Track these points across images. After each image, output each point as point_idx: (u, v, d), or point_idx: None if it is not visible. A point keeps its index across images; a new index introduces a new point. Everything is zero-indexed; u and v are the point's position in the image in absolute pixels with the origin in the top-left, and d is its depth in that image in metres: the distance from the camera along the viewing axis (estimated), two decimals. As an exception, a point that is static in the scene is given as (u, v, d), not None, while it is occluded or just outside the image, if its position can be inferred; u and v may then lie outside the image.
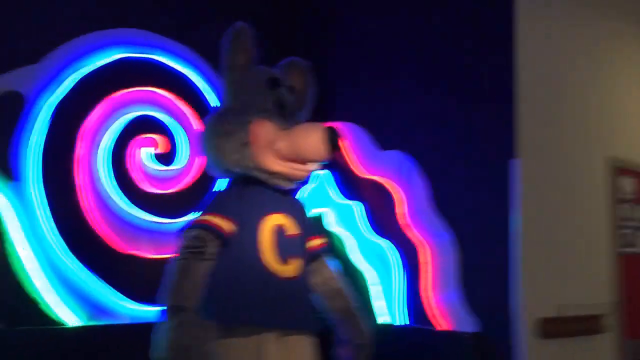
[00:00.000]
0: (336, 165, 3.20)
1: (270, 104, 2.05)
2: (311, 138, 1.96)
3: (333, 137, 1.97)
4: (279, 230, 2.01)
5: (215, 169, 2.10)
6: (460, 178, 2.83)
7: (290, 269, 1.98)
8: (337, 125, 3.30)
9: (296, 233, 2.06)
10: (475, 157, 2.76)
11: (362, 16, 3.53)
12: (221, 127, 1.99)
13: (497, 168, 2.65)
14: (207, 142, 2.04)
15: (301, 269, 2.04)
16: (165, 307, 1.83)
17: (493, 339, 2.58)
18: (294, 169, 2.01)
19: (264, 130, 1.95)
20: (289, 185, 2.09)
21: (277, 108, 2.06)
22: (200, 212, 2.01)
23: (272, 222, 2.00)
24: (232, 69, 2.08)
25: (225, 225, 1.93)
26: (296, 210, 2.12)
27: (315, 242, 2.18)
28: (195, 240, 1.90)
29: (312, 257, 2.18)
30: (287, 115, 2.08)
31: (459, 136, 2.86)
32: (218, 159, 2.02)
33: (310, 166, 2.06)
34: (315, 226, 2.26)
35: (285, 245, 2.00)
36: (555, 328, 2.60)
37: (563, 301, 2.66)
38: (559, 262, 2.72)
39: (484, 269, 2.66)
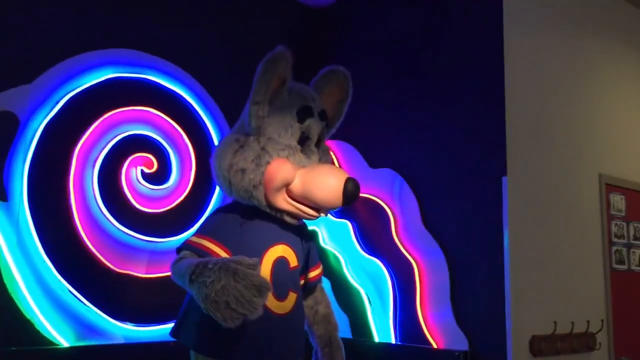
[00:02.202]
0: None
1: (295, 140, 1.94)
2: (329, 188, 1.82)
3: (351, 190, 1.84)
4: (281, 263, 1.94)
5: (225, 192, 2.02)
6: (451, 196, 2.84)
7: (286, 305, 1.92)
8: (329, 144, 3.33)
9: (296, 265, 2.00)
10: (467, 174, 2.78)
11: (353, 35, 3.56)
12: (237, 162, 1.87)
13: (488, 185, 2.67)
14: (219, 171, 1.94)
15: (297, 302, 1.98)
16: (188, 281, 1.73)
17: (485, 356, 2.59)
18: (302, 212, 1.91)
19: (281, 173, 1.83)
20: (295, 222, 1.98)
21: (302, 141, 1.96)
22: (197, 232, 1.96)
23: (275, 255, 1.92)
24: (257, 102, 1.89)
25: (221, 253, 1.86)
26: (299, 240, 2.04)
27: (315, 273, 2.14)
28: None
29: (311, 287, 2.16)
30: (311, 145, 1.99)
31: (450, 154, 2.88)
32: (228, 188, 1.93)
33: (321, 212, 1.95)
34: (315, 254, 2.17)
35: (285, 279, 1.94)
36: (547, 345, 2.60)
37: (555, 318, 2.67)
38: (551, 279, 2.73)
39: (476, 287, 2.67)
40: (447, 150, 2.89)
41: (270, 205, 1.90)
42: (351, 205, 1.95)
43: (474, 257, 2.70)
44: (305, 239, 2.09)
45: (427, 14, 3.11)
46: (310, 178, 1.86)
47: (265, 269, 1.90)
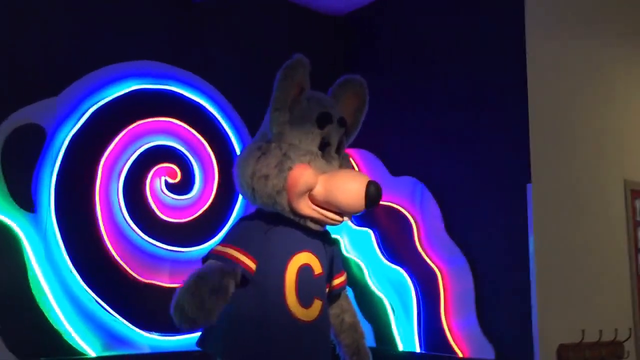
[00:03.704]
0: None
1: (316, 146, 1.95)
2: (352, 192, 1.84)
3: (374, 194, 1.85)
4: (305, 270, 1.94)
5: (248, 200, 2.02)
6: (475, 203, 2.83)
7: (312, 312, 1.92)
8: (350, 152, 3.34)
9: (321, 272, 2.00)
10: (491, 182, 2.77)
11: (374, 43, 3.57)
12: (259, 168, 1.88)
13: (512, 192, 2.66)
14: (242, 179, 1.94)
15: (322, 310, 1.98)
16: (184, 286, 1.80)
17: (511, 365, 2.57)
18: (326, 217, 1.91)
19: (304, 179, 1.85)
20: (319, 229, 1.99)
21: (322, 147, 1.97)
22: (223, 241, 1.97)
23: (299, 262, 1.93)
24: (277, 109, 1.91)
25: (248, 262, 1.87)
26: (323, 247, 2.04)
27: (339, 280, 2.14)
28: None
29: (335, 295, 2.15)
30: (332, 152, 2.00)
31: (473, 161, 2.87)
32: (251, 196, 1.94)
33: (344, 217, 1.96)
34: (339, 261, 2.17)
35: (310, 287, 1.94)
36: (575, 354, 2.58)
37: (583, 327, 2.64)
38: (577, 287, 2.71)
39: (502, 295, 2.65)
40: (470, 157, 2.89)
41: (293, 212, 1.90)
42: (374, 208, 1.96)
43: (499, 265, 2.69)
44: (328, 246, 2.09)
45: (449, 22, 3.11)
46: (333, 183, 1.87)
47: (290, 277, 1.90)
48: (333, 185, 1.86)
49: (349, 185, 1.85)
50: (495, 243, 2.71)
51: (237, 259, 1.87)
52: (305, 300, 1.91)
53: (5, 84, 2.63)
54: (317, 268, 1.99)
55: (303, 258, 1.95)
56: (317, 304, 1.95)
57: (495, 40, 2.85)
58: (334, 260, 2.11)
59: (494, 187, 2.76)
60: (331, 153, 2.00)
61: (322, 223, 1.96)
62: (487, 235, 2.75)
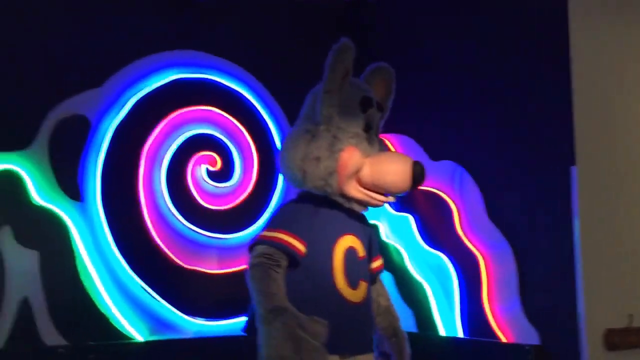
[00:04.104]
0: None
1: (361, 129, 2.00)
2: (398, 173, 1.91)
3: (419, 173, 1.92)
4: (350, 253, 1.98)
5: (294, 184, 2.05)
6: (517, 187, 2.79)
7: (359, 293, 1.96)
8: (388, 137, 3.33)
9: (364, 255, 2.04)
10: (533, 165, 2.72)
11: (412, 25, 3.54)
12: (311, 151, 1.92)
13: (556, 176, 2.60)
14: (292, 162, 1.97)
15: (367, 292, 2.02)
16: (261, 314, 1.79)
17: (556, 351, 2.53)
18: (372, 198, 1.97)
19: (353, 160, 1.91)
20: (363, 210, 2.05)
21: (366, 130, 2.02)
22: (270, 226, 1.99)
23: (345, 245, 1.97)
24: (328, 91, 1.96)
25: (298, 245, 1.90)
26: (364, 231, 2.09)
27: (377, 264, 2.17)
28: (269, 257, 1.88)
29: (373, 279, 2.17)
30: (373, 135, 2.05)
31: (514, 144, 2.82)
32: (301, 179, 1.96)
33: (390, 197, 2.02)
34: (377, 246, 2.21)
35: (356, 269, 1.98)
36: (622, 339, 2.52)
37: (630, 311, 2.58)
38: (624, 270, 2.64)
39: (546, 279, 2.61)
40: (511, 140, 2.84)
41: (342, 194, 1.95)
42: (418, 187, 2.02)
43: (543, 249, 2.64)
44: (367, 229, 2.14)
45: (488, 4, 3.06)
46: (380, 164, 1.94)
47: (338, 259, 1.94)
48: (380, 167, 1.93)
49: (395, 166, 1.92)
50: (538, 227, 2.66)
51: (288, 242, 1.90)
52: (352, 282, 1.95)
53: (51, 77, 2.70)
54: (361, 251, 2.03)
55: (348, 241, 1.99)
56: (363, 286, 1.99)
57: (536, 20, 2.79)
58: (372, 244, 2.15)
59: (537, 170, 2.71)
60: (372, 136, 2.05)
61: (367, 205, 2.01)
62: (531, 219, 2.70)
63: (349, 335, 1.92)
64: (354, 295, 1.94)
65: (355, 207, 2.00)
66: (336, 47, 1.94)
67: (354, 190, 1.94)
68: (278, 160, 2.07)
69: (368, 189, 1.96)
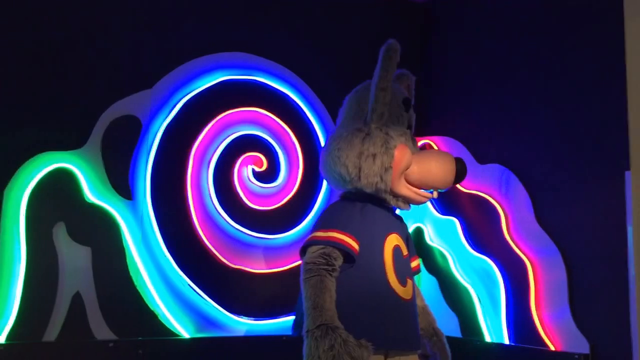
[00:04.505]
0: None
1: (406, 127, 2.11)
2: (443, 169, 2.02)
3: (461, 168, 2.05)
4: (397, 251, 2.03)
5: (339, 184, 2.09)
6: (568, 192, 2.72)
7: (409, 290, 2.01)
8: (435, 140, 3.30)
9: (407, 254, 2.08)
10: (585, 169, 2.65)
11: (458, 29, 3.50)
12: (367, 148, 1.99)
13: (609, 180, 2.53)
14: (348, 160, 2.01)
15: (414, 289, 2.07)
16: (309, 326, 1.79)
17: (607, 360, 2.46)
18: (419, 195, 2.05)
19: (405, 157, 1.99)
20: (406, 208, 2.12)
21: (408, 128, 2.13)
22: (322, 226, 2.01)
23: (392, 243, 2.02)
24: (383, 89, 2.03)
25: (353, 243, 1.93)
26: (404, 230, 2.15)
27: (415, 263, 2.20)
28: (326, 257, 1.90)
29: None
30: (412, 135, 2.15)
31: (565, 147, 2.76)
32: (355, 176, 2.00)
33: (433, 193, 2.10)
34: (412, 245, 2.26)
35: (403, 267, 2.02)
36: (678, 351, 2.43)
37: (686, 322, 2.49)
38: (680, 280, 2.55)
39: (598, 287, 2.54)
40: (562, 143, 2.77)
41: (392, 191, 2.01)
42: (461, 182, 2.16)
43: (594, 256, 2.57)
44: (405, 229, 2.20)
45: (540, 5, 3.00)
46: (425, 162, 2.04)
47: (388, 257, 1.98)
48: (426, 164, 2.03)
49: (440, 163, 2.04)
50: (590, 233, 2.59)
51: (343, 241, 1.94)
52: (402, 280, 2.00)
53: (104, 79, 2.78)
54: (404, 249, 2.09)
55: (394, 239, 2.05)
56: (410, 284, 2.05)
57: (590, 19, 2.71)
58: (409, 244, 2.19)
59: (589, 175, 2.63)
60: (411, 134, 2.16)
61: (413, 202, 2.09)
62: (581, 225, 2.63)
63: (405, 332, 1.96)
64: (405, 292, 1.98)
65: (401, 205, 2.07)
66: (387, 47, 2.01)
67: (404, 188, 2.02)
68: (323, 162, 2.08)
69: (414, 186, 2.03)
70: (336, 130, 2.16)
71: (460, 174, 2.05)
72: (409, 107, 2.14)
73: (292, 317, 2.17)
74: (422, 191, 2.05)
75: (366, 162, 1.97)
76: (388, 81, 2.01)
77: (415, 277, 2.21)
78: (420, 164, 2.02)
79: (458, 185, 3.23)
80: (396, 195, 2.03)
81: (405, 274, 2.02)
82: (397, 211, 2.23)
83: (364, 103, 2.08)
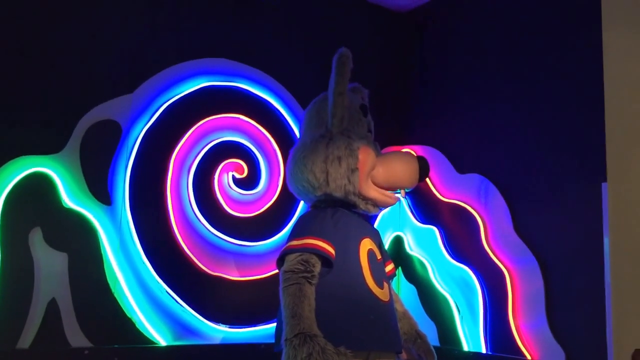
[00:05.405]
0: (415, 188, 3.19)
1: (365, 131, 2.12)
2: (409, 167, 2.03)
3: (424, 166, 2.05)
4: (371, 255, 2.03)
5: (308, 193, 2.09)
6: (546, 202, 2.76)
7: (385, 292, 2.00)
8: (416, 149, 3.32)
9: (381, 258, 2.09)
10: (563, 180, 2.69)
11: (439, 38, 3.53)
12: (331, 152, 2.00)
13: (586, 192, 2.57)
14: (314, 165, 2.02)
15: (390, 293, 2.06)
16: (288, 335, 1.76)
17: (583, 370, 2.49)
18: (386, 196, 2.06)
19: (369, 158, 2.01)
20: (376, 212, 2.12)
21: (369, 134, 2.14)
22: (297, 235, 1.99)
23: (366, 247, 2.02)
24: (341, 93, 2.06)
25: (329, 248, 1.93)
26: (376, 235, 2.15)
27: (389, 268, 2.21)
28: (304, 264, 1.88)
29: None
30: (372, 140, 2.16)
31: (544, 159, 2.79)
32: (323, 181, 2.01)
33: (401, 193, 2.12)
34: (385, 250, 2.27)
35: (378, 270, 2.02)
36: (652, 360, 2.47)
37: (660, 332, 2.53)
38: (654, 290, 2.59)
39: (574, 297, 2.57)
40: (540, 154, 2.81)
41: (361, 194, 2.02)
42: (425, 179, 2.19)
43: (571, 266, 2.61)
44: (376, 234, 2.19)
45: (519, 15, 3.04)
46: (389, 162, 2.05)
47: (364, 260, 1.98)
48: (390, 164, 2.04)
49: (403, 162, 2.06)
50: (567, 243, 2.63)
51: (319, 246, 1.92)
52: (379, 282, 1.99)
53: (84, 83, 2.75)
54: (378, 254, 2.08)
55: (367, 244, 2.04)
56: (386, 287, 2.03)
57: (568, 34, 2.76)
58: (382, 248, 2.19)
59: (567, 185, 2.67)
60: (371, 139, 2.17)
61: (382, 205, 2.08)
62: (559, 235, 2.67)
63: (386, 333, 1.95)
64: (382, 294, 1.98)
65: (370, 208, 2.07)
66: (340, 55, 2.06)
67: (372, 190, 2.02)
68: (290, 173, 2.09)
69: (382, 188, 2.05)
70: (299, 141, 2.18)
71: (424, 171, 2.07)
72: (367, 113, 2.17)
73: (272, 325, 2.16)
74: (388, 193, 2.07)
75: (332, 165, 1.99)
76: (344, 86, 2.05)
77: (394, 285, 2.23)
78: (384, 165, 2.04)
79: (438, 195, 3.25)
80: (365, 199, 2.04)
81: (381, 277, 2.02)
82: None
83: (323, 112, 2.10)
